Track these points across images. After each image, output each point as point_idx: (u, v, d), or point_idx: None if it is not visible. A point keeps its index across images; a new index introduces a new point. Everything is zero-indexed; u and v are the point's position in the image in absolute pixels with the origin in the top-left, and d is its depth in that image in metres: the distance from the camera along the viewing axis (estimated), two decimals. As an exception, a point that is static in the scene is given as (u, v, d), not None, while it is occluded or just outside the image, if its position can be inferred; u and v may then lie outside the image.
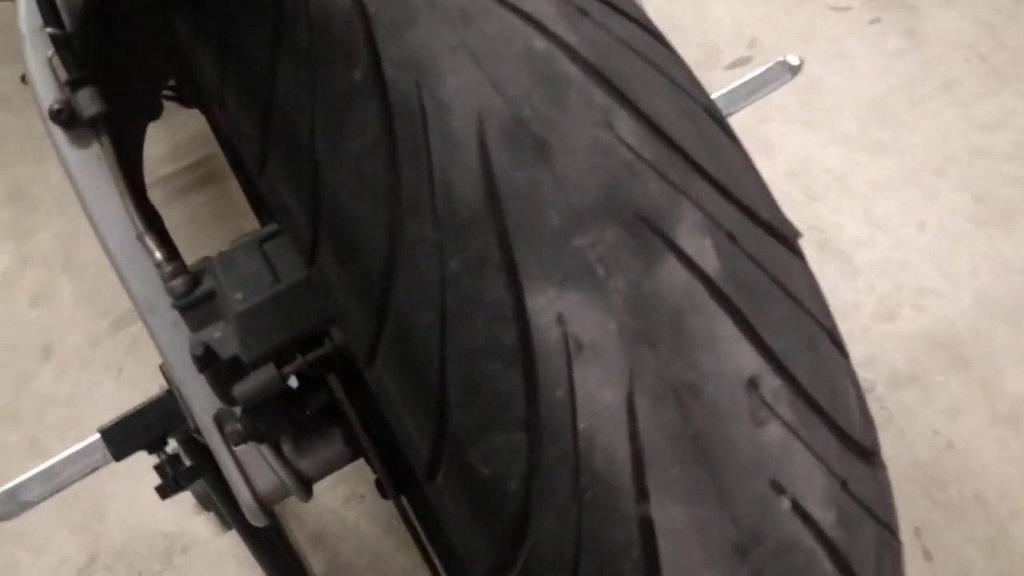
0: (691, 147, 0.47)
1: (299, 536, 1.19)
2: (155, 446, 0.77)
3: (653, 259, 0.44)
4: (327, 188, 0.45)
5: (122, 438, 0.76)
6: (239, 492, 0.73)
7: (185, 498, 1.04)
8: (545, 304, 0.43)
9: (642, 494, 0.43)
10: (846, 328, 1.33)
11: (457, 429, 0.44)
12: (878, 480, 0.50)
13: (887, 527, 0.50)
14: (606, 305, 0.43)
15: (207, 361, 0.61)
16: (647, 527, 0.43)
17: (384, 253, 0.44)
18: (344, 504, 1.20)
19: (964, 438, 1.20)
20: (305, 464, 0.74)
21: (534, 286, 0.43)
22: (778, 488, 0.44)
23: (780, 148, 1.56)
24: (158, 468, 0.77)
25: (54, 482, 0.75)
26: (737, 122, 1.58)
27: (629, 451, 0.43)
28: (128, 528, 1.22)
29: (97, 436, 0.76)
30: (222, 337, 0.62)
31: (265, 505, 0.74)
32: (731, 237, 0.46)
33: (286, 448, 0.74)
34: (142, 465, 0.78)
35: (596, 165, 0.45)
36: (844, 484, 0.47)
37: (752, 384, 0.44)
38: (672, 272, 0.44)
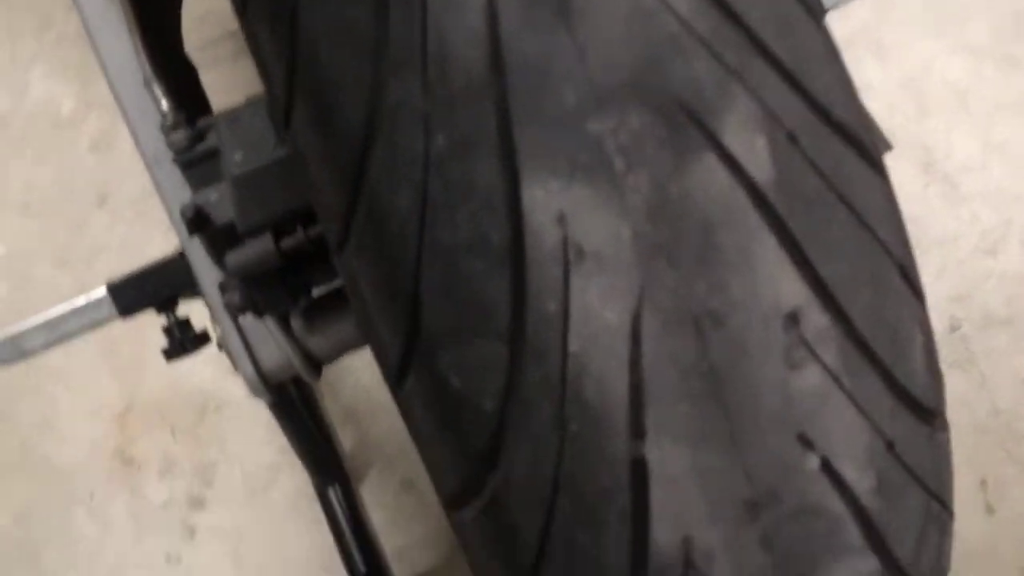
0: (757, 22, 0.38)
1: (331, 408, 1.17)
2: (164, 307, 0.73)
3: (688, 155, 0.36)
4: (305, 33, 0.38)
5: (130, 295, 0.72)
6: (242, 364, 0.69)
7: (223, 358, 1.02)
8: (545, 198, 0.35)
9: (637, 431, 0.36)
10: (940, 259, 1.21)
11: (430, 332, 0.37)
12: (935, 444, 0.42)
13: (938, 499, 0.42)
14: (621, 207, 0.35)
15: (198, 225, 0.55)
16: (639, 470, 0.36)
17: (361, 119, 0.37)
18: (380, 384, 1.17)
19: (1053, 391, 1.09)
20: (314, 342, 0.69)
21: (534, 175, 0.35)
22: (807, 443, 0.37)
23: (897, 52, 1.40)
24: (166, 330, 0.73)
25: (57, 333, 0.72)
26: (852, 18, 1.41)
27: (627, 380, 0.36)
28: (166, 381, 1.21)
29: (104, 291, 0.72)
30: (219, 200, 0.57)
31: (268, 380, 0.70)
32: (792, 138, 0.37)
33: (296, 324, 0.69)
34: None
35: (631, 33, 0.36)
36: (890, 445, 0.39)
37: (792, 319, 0.36)
38: (710, 173, 0.36)
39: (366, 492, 1.13)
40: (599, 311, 0.35)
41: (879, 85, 1.34)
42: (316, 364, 0.71)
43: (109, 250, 1.32)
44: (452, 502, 0.41)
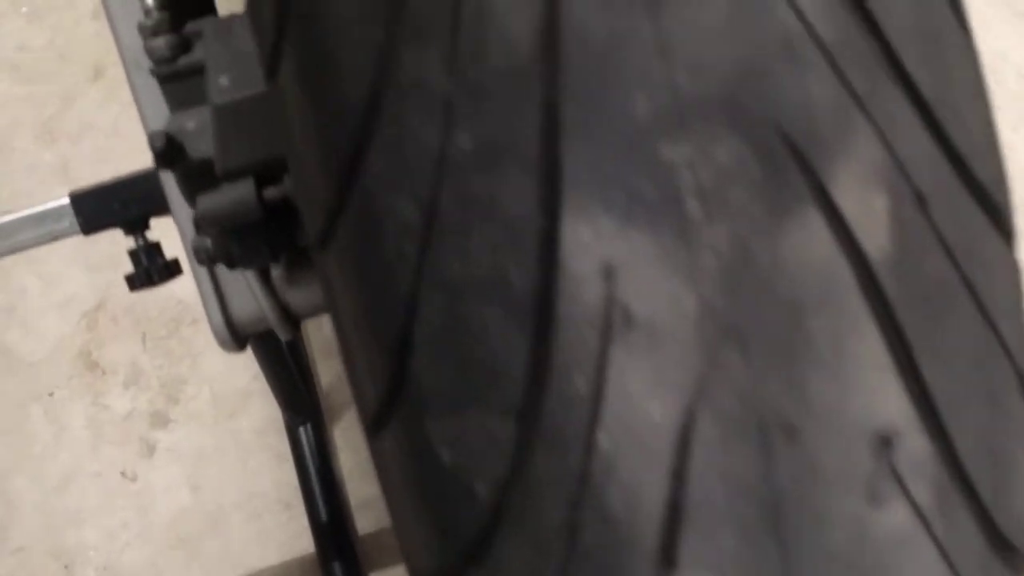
0: (898, 33, 0.29)
1: (313, 338, 1.10)
2: (133, 227, 0.64)
3: (786, 210, 0.27)
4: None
5: (95, 210, 0.64)
6: (210, 312, 0.61)
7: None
8: (591, 240, 0.27)
9: (667, 560, 0.28)
10: None
11: (420, 387, 0.29)
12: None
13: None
14: (690, 266, 0.27)
15: (168, 158, 0.46)
16: (661, 609, 0.28)
17: (363, 95, 0.28)
18: (368, 320, 1.09)
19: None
20: (295, 295, 0.61)
21: (581, 206, 0.27)
22: (875, 594, 0.29)
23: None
24: (132, 255, 0.65)
25: (9, 242, 0.63)
26: None
27: (665, 494, 0.27)
28: (143, 285, 1.13)
29: (66, 200, 0.64)
30: (197, 129, 0.48)
31: (239, 332, 0.62)
32: (921, 200, 0.28)
33: (275, 272, 0.61)
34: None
35: (735, 28, 0.27)
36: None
37: (884, 441, 0.28)
38: (811, 238, 0.27)
39: (339, 433, 1.07)
40: (642, 401, 0.27)
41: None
42: (294, 319, 0.63)
43: (98, 130, 1.22)
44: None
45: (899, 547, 0.29)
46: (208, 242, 0.52)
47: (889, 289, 0.28)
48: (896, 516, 0.28)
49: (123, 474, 1.07)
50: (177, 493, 1.06)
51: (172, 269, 0.66)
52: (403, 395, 0.29)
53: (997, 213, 0.31)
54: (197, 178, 0.49)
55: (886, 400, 0.28)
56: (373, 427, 0.31)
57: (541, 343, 0.27)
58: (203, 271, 0.59)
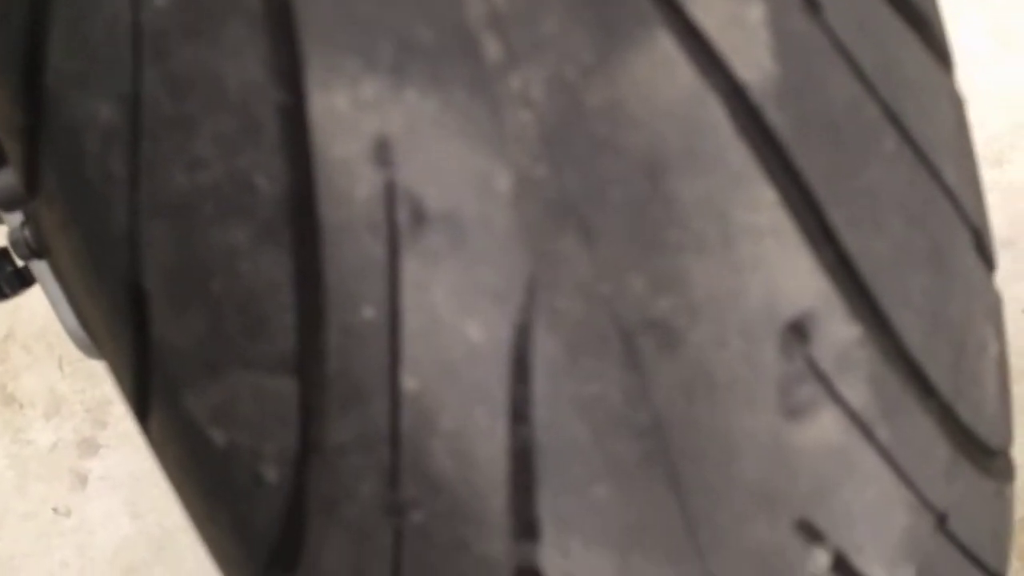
0: None
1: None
2: (-29, 236, 0.56)
3: (621, 36, 0.20)
4: None
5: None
6: (60, 313, 0.52)
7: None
8: (349, 111, 0.19)
9: (525, 527, 0.21)
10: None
11: (166, 352, 0.21)
12: (1001, 502, 0.27)
13: (997, 579, 0.27)
14: (494, 130, 0.19)
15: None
16: (528, 588, 0.21)
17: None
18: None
19: (1063, 324, 0.96)
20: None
21: (328, 66, 0.19)
22: (811, 533, 0.22)
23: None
24: (-25, 265, 0.57)
25: None
26: None
27: (506, 442, 0.20)
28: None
29: None
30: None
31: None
32: (812, 3, 0.21)
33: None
34: None
35: None
36: (942, 520, 0.24)
37: (796, 331, 0.21)
38: (660, 69, 0.20)
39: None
40: (454, 320, 0.20)
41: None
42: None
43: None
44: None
45: (833, 468, 0.21)
46: (27, 232, 0.44)
47: (778, 125, 0.20)
48: (824, 429, 0.21)
49: (55, 510, 0.99)
50: (117, 523, 0.98)
51: (26, 277, 0.57)
52: (152, 364, 0.22)
53: (923, 25, 0.24)
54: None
55: (793, 276, 0.21)
56: (139, 415, 0.24)
57: (306, 263, 0.19)
58: (44, 267, 0.51)
